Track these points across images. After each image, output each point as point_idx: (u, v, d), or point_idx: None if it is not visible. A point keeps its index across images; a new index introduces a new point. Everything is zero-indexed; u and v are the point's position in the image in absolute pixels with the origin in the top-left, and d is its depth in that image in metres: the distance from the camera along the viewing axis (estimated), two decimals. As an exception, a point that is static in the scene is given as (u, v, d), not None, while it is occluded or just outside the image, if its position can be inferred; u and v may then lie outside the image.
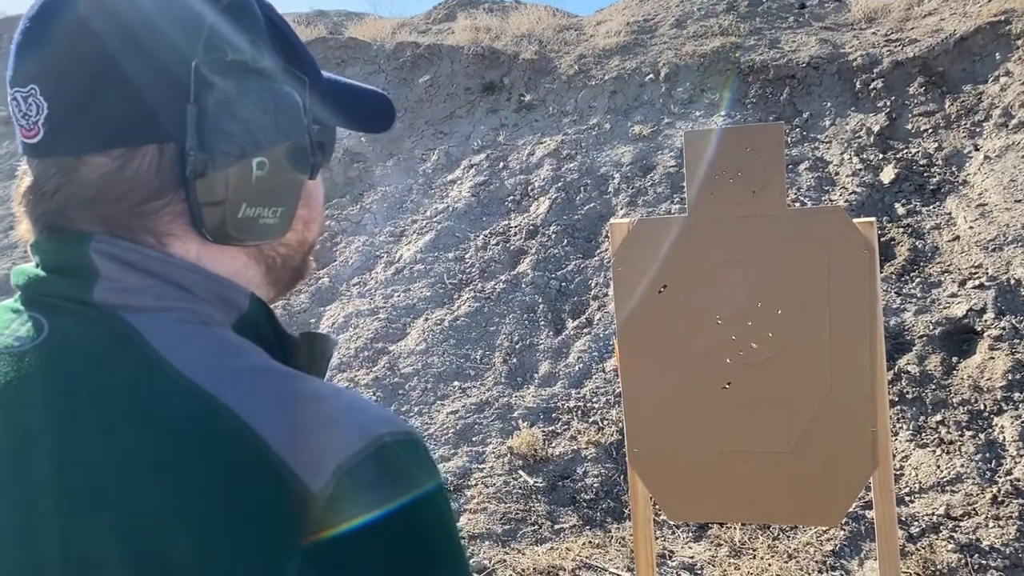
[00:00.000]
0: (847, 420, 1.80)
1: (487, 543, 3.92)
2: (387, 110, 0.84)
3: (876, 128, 6.57)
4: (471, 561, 3.77)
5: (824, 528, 3.76)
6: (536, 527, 4.04)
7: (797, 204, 6.05)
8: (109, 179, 0.61)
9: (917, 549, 3.51)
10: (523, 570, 3.68)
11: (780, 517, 2.19)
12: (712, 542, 3.84)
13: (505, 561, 3.78)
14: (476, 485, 4.34)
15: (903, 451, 4.10)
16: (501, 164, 7.44)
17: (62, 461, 0.54)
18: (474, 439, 4.70)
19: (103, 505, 0.52)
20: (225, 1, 0.64)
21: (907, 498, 3.84)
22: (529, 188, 7.05)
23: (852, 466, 1.81)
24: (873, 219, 1.78)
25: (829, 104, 7.04)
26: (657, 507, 2.07)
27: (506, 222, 6.72)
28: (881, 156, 6.34)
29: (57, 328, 0.59)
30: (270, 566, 0.51)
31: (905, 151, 6.32)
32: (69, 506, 0.53)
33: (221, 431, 0.54)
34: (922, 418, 4.23)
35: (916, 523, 3.66)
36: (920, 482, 3.91)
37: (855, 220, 1.77)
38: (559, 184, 6.92)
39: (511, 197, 7.01)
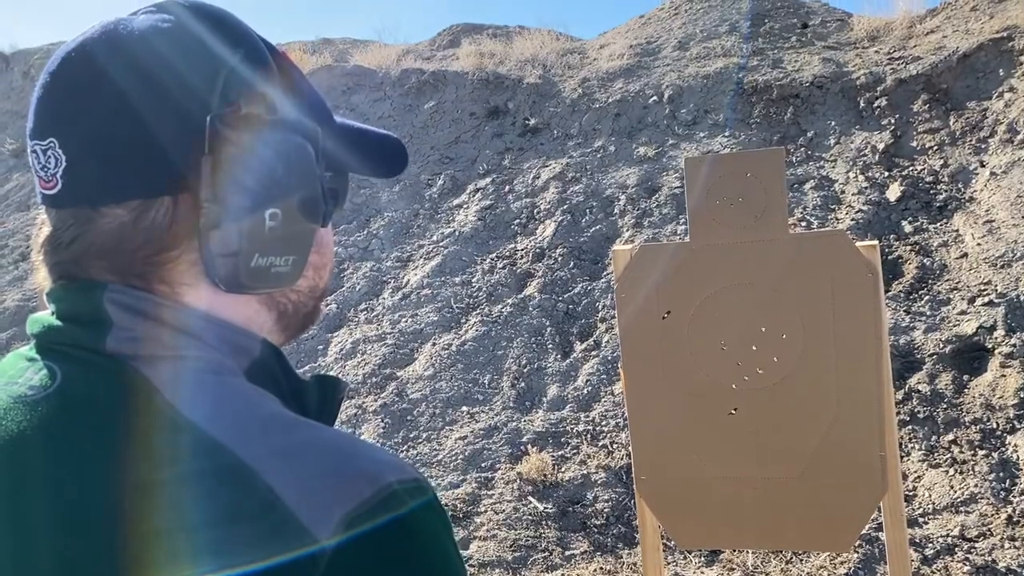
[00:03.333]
0: (855, 445, 1.79)
1: (497, 571, 3.89)
2: (399, 154, 0.85)
3: (881, 146, 6.57)
4: (481, 589, 3.74)
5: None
6: (547, 553, 4.00)
7: (803, 223, 6.04)
8: (125, 230, 0.62)
9: (932, 572, 3.47)
10: (534, 597, 3.65)
11: (790, 543, 2.16)
12: (724, 567, 3.80)
13: (515, 588, 3.75)
14: (485, 512, 4.31)
15: (915, 472, 4.06)
16: (507, 188, 7.47)
17: (72, 509, 0.55)
18: (483, 465, 4.68)
19: (112, 551, 0.53)
20: (240, 55, 0.65)
21: (920, 519, 3.80)
22: (535, 211, 7.06)
23: (861, 491, 1.79)
24: (876, 242, 1.77)
25: (833, 123, 7.05)
26: (666, 534, 2.05)
27: (512, 245, 6.73)
28: (887, 174, 6.34)
29: (69, 377, 0.60)
30: None
31: (911, 168, 6.31)
32: (75, 553, 0.54)
33: (230, 480, 0.54)
34: (934, 438, 4.19)
35: (930, 545, 3.62)
36: (933, 503, 3.87)
37: (858, 243, 1.76)
38: (565, 207, 6.94)
39: (517, 220, 7.02)
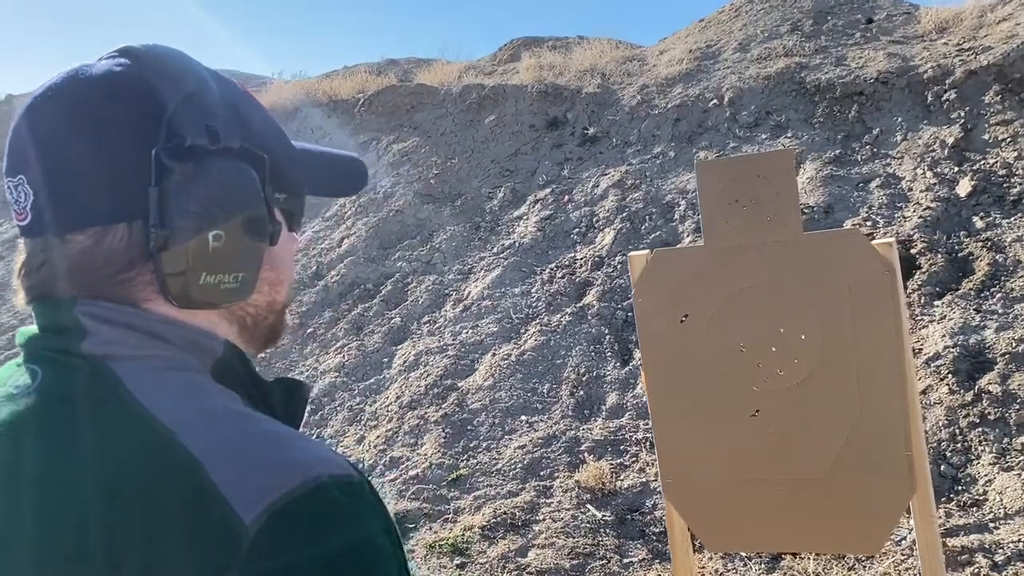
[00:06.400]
0: (880, 445, 1.76)
1: (555, 578, 3.91)
2: (358, 174, 0.91)
3: (950, 140, 6.36)
4: (538, 596, 3.77)
5: (903, 557, 3.62)
6: (604, 561, 4.01)
7: (869, 223, 5.89)
8: (87, 254, 0.69)
9: (1002, 579, 3.34)
10: (590, 605, 3.66)
11: (819, 546, 2.14)
12: (785, 574, 3.74)
13: (573, 596, 3.76)
14: (544, 520, 4.34)
15: (986, 475, 3.91)
16: (566, 197, 7.50)
17: (43, 491, 0.63)
18: (541, 473, 4.71)
19: (72, 527, 0.61)
20: (187, 91, 0.72)
21: (991, 524, 3.66)
22: (594, 220, 7.08)
23: (889, 492, 1.76)
24: (892, 240, 1.75)
25: (900, 119, 6.86)
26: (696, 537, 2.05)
27: (572, 254, 6.75)
28: (957, 169, 6.13)
29: (48, 377, 0.69)
30: None
31: (982, 162, 6.09)
32: (44, 529, 0.62)
33: (172, 465, 0.61)
34: (1006, 440, 4.03)
35: (1000, 551, 3.48)
36: (1005, 508, 3.73)
37: (875, 241, 1.74)
38: (624, 214, 6.93)
39: (576, 230, 7.05)
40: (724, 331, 1.86)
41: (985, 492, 3.84)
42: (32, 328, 0.74)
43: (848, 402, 1.78)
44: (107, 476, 0.61)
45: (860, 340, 1.75)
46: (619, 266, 6.35)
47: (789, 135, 7.19)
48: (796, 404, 1.83)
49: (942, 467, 4.01)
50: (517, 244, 7.10)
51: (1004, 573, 3.36)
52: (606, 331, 5.79)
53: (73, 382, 0.68)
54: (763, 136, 7.32)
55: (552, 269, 6.65)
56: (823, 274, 1.77)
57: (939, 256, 5.40)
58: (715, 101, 7.93)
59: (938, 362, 4.54)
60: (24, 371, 0.71)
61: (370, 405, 5.77)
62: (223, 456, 0.62)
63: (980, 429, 4.13)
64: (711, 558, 3.87)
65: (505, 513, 4.40)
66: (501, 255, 7.02)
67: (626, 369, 5.43)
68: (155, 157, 0.68)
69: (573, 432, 4.98)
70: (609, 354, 5.60)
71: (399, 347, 6.36)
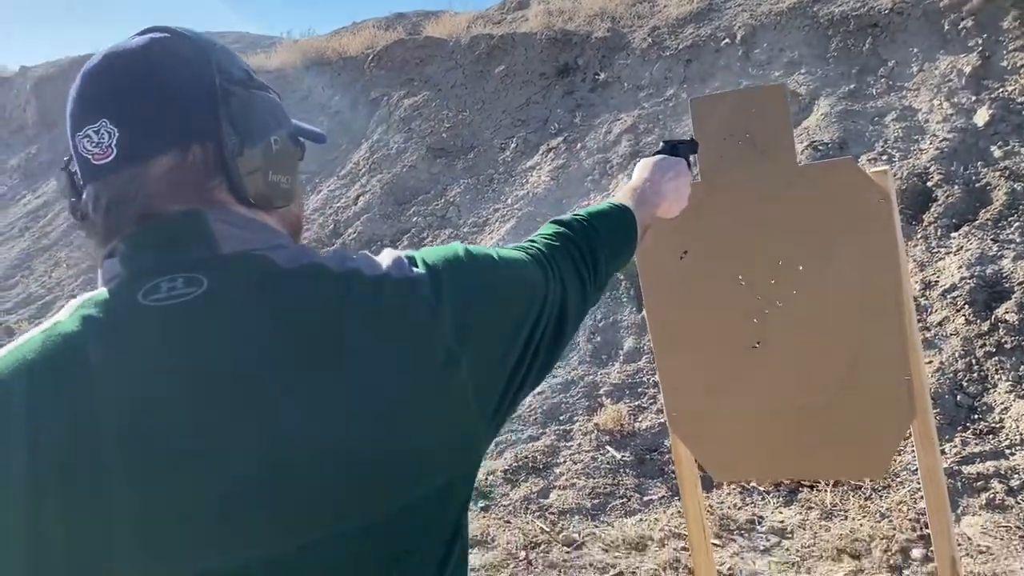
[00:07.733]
0: (880, 371, 1.79)
1: (576, 517, 4.01)
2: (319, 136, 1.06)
3: (968, 69, 6.24)
4: (560, 535, 3.87)
5: (919, 486, 3.67)
6: (625, 500, 4.10)
7: (884, 157, 5.83)
8: (174, 172, 0.82)
9: (1018, 502, 3.39)
10: (612, 541, 3.75)
11: (823, 472, 2.18)
12: (803, 506, 3.80)
13: (595, 534, 3.86)
14: (564, 463, 4.43)
15: (1003, 403, 3.93)
16: (579, 145, 7.47)
17: (282, 346, 0.76)
18: (561, 418, 4.79)
19: (343, 356, 0.76)
20: (217, 46, 0.89)
21: (1007, 451, 3.70)
22: (608, 166, 7.05)
23: (889, 417, 1.80)
24: (888, 168, 1.75)
25: (916, 50, 6.73)
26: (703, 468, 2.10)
27: (586, 202, 6.75)
28: (974, 98, 6.02)
29: (215, 277, 0.78)
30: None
31: (1001, 90, 5.98)
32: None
33: (398, 287, 0.83)
34: (1022, 368, 4.04)
35: (1016, 476, 3.52)
36: (1021, 434, 3.75)
37: (870, 170, 1.75)
38: (638, 159, 6.89)
39: (590, 177, 7.03)
40: (723, 264, 1.89)
41: (1001, 420, 3.86)
42: (141, 251, 0.81)
43: (848, 331, 1.81)
44: (386, 310, 0.79)
45: (858, 269, 1.77)
46: (633, 211, 6.34)
47: (803, 71, 7.09)
48: (796, 334, 1.86)
49: (958, 396, 4.04)
50: (531, 194, 7.10)
51: (1019, 497, 3.41)
52: (621, 276, 5.81)
53: (248, 271, 0.79)
54: (776, 73, 7.22)
55: (567, 217, 6.65)
56: (819, 205, 1.78)
57: (956, 187, 5.34)
58: (727, 40, 7.81)
59: (955, 293, 4.53)
60: (171, 281, 0.78)
61: (391, 359, 5.86)
62: (374, 265, 0.85)
63: (997, 358, 4.13)
64: (729, 493, 3.95)
65: (527, 457, 4.49)
66: (515, 206, 7.03)
67: (642, 314, 5.47)
68: (220, 85, 0.84)
69: (591, 377, 5.05)
70: (625, 299, 5.63)
71: (418, 301, 6.43)
